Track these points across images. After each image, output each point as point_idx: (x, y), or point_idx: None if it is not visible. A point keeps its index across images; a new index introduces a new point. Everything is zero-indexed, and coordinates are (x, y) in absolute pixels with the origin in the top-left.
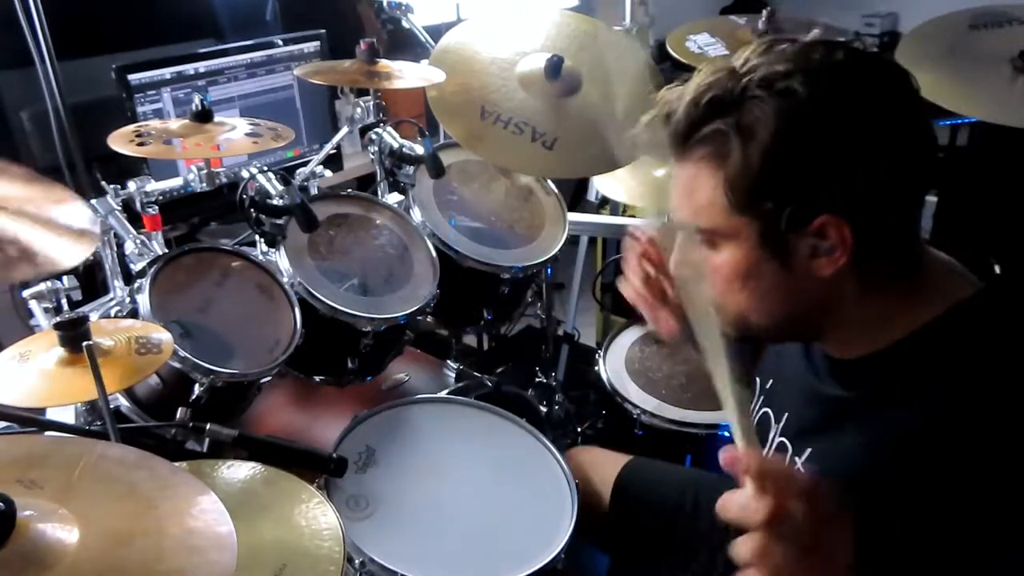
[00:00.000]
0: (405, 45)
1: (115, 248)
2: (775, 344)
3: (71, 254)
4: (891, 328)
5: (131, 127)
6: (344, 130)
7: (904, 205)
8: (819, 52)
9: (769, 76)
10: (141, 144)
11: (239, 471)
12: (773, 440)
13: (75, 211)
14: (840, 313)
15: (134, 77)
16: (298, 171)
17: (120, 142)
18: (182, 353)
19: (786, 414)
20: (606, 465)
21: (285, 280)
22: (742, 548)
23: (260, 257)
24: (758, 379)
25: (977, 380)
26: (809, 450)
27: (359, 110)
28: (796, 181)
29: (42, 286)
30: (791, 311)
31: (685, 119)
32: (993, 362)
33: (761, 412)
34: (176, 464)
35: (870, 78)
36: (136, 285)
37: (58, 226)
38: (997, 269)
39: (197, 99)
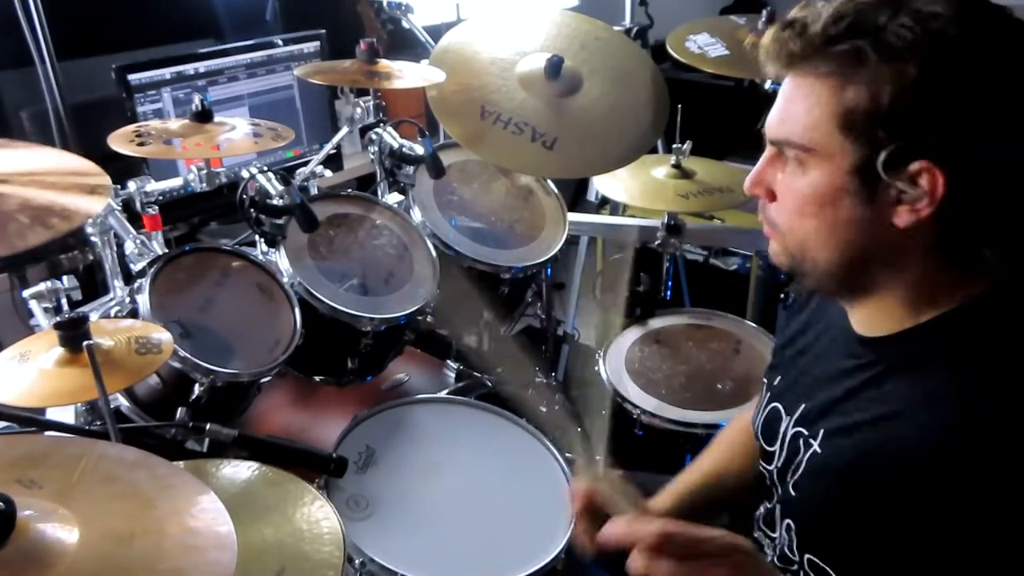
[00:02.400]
0: (405, 45)
1: (115, 248)
2: (820, 293)
3: (85, 208)
4: (931, 305)
5: (131, 127)
6: (344, 130)
7: (1014, 182)
8: (982, 6)
9: (925, 12)
10: (141, 144)
11: (240, 472)
12: (786, 432)
13: (84, 170)
14: (896, 277)
15: (134, 77)
16: (298, 171)
17: (120, 142)
18: (182, 353)
19: (802, 404)
20: None
21: (285, 280)
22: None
23: (260, 257)
24: (765, 378)
25: (1001, 364)
26: (823, 431)
27: (359, 110)
28: (915, 120)
29: (42, 286)
30: (853, 255)
31: (823, 31)
32: (1012, 349)
33: (770, 408)
34: (176, 464)
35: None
36: (136, 285)
37: (68, 185)
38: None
39: (197, 99)
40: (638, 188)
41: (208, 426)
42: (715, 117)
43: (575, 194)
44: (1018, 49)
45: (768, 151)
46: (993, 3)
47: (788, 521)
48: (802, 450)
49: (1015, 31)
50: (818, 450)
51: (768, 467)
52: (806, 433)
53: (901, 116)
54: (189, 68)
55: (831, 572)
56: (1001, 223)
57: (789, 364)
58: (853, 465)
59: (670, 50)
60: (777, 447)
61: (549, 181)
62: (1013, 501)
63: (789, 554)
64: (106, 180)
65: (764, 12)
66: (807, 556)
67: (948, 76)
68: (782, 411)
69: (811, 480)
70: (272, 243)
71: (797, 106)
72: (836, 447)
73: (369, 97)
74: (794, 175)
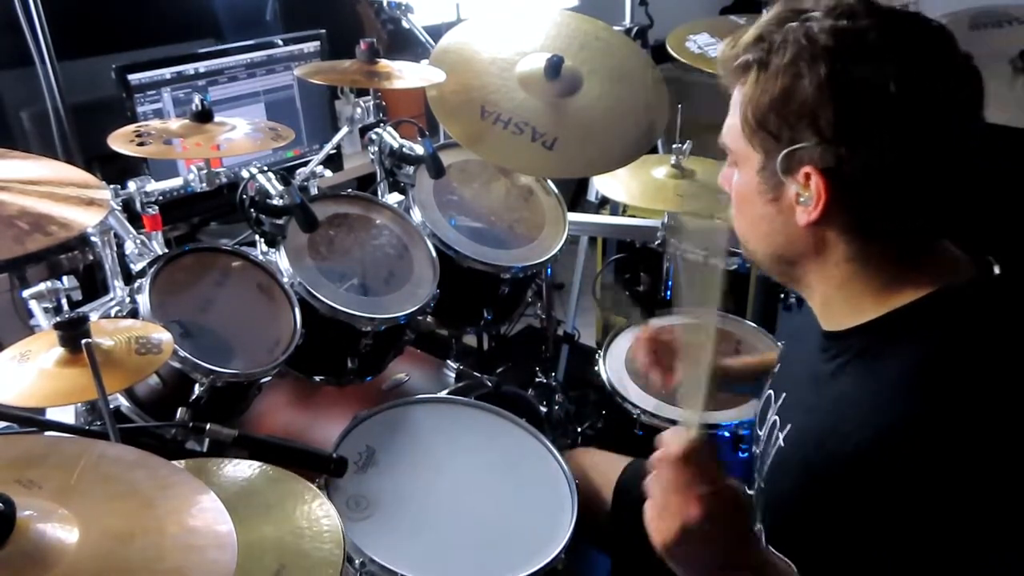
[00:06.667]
0: (405, 45)
1: (115, 248)
2: (779, 280)
3: (82, 220)
4: (878, 302)
5: (131, 127)
6: (344, 130)
7: (907, 187)
8: (872, 16)
9: (811, 23)
10: (141, 144)
11: (242, 470)
12: (770, 419)
13: (83, 182)
14: (825, 271)
15: (134, 77)
16: (298, 171)
17: (120, 142)
18: (182, 353)
19: (784, 394)
20: (607, 466)
21: (285, 280)
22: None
23: (260, 257)
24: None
25: (940, 363)
26: (789, 426)
27: (359, 110)
28: (792, 127)
29: (42, 286)
30: (775, 249)
31: (742, 45)
32: (956, 347)
33: (767, 394)
34: (178, 463)
35: (910, 60)
36: (136, 285)
37: (66, 197)
38: (997, 270)
39: (197, 99)
40: (638, 188)
41: (208, 426)
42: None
43: (575, 194)
44: (892, 58)
45: None
46: (901, 14)
47: (759, 513)
48: (773, 442)
49: (896, 37)
50: (782, 444)
51: (756, 450)
52: (779, 425)
53: (777, 122)
54: (189, 68)
55: (792, 567)
56: (918, 226)
57: (786, 354)
58: (806, 459)
59: (670, 50)
60: (763, 432)
61: (549, 181)
62: (953, 492)
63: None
64: (105, 194)
65: (764, 12)
66: (770, 548)
67: (816, 84)
68: (772, 398)
69: (774, 474)
70: (272, 243)
71: (729, 113)
72: (794, 441)
73: (369, 97)
74: (734, 175)
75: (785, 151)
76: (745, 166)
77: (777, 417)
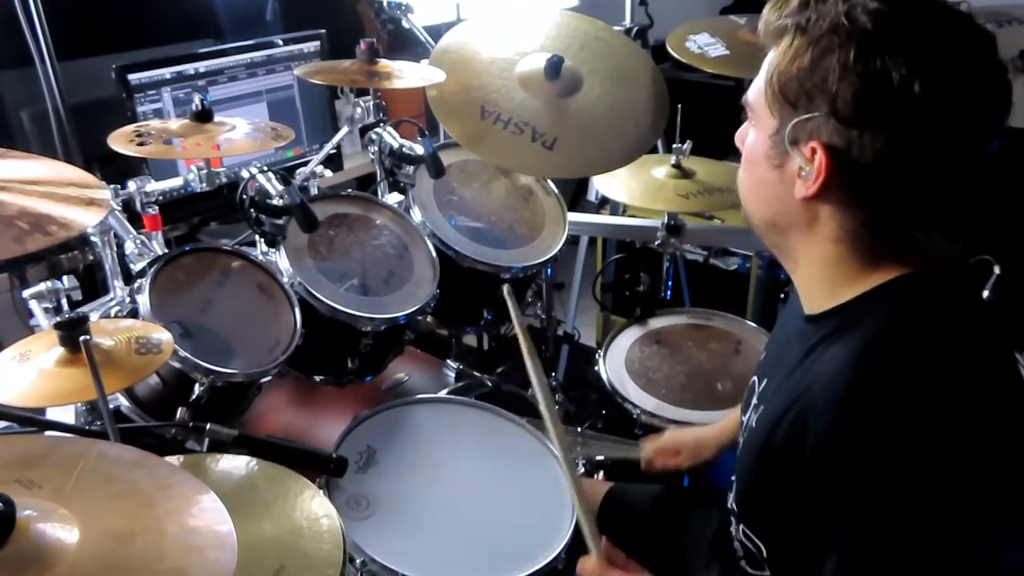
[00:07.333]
0: (405, 45)
1: (115, 248)
2: (769, 249)
3: (82, 220)
4: (853, 284)
5: (131, 127)
6: (344, 130)
7: (909, 181)
8: (919, 8)
9: (857, 1)
10: (141, 144)
11: (239, 467)
12: (752, 404)
13: (83, 182)
14: (812, 247)
15: (134, 77)
16: (298, 171)
17: (120, 142)
18: (182, 353)
19: (766, 380)
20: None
21: (285, 280)
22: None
23: (260, 257)
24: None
25: (892, 342)
26: (762, 408)
27: (359, 110)
28: (810, 100)
29: (42, 286)
30: (770, 216)
31: (787, 9)
32: (913, 325)
33: (752, 381)
34: (176, 463)
35: (943, 61)
36: (136, 285)
37: (66, 197)
38: (997, 269)
39: (197, 99)
40: (638, 188)
41: (208, 426)
42: (715, 117)
43: (575, 194)
44: (926, 55)
45: None
46: (948, 10)
47: (732, 495)
48: (750, 424)
49: (936, 35)
50: (753, 425)
51: (741, 438)
52: (757, 407)
53: (798, 91)
54: (189, 68)
55: (761, 546)
56: (912, 217)
57: (772, 341)
58: (771, 438)
59: (670, 50)
60: (746, 418)
61: (549, 181)
62: (901, 472)
63: (734, 527)
64: (105, 194)
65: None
66: (743, 528)
67: (844, 60)
68: (756, 385)
69: (745, 453)
70: (272, 243)
71: (759, 74)
72: (764, 422)
73: (369, 97)
74: (749, 135)
75: (796, 121)
76: (760, 128)
77: (757, 402)
